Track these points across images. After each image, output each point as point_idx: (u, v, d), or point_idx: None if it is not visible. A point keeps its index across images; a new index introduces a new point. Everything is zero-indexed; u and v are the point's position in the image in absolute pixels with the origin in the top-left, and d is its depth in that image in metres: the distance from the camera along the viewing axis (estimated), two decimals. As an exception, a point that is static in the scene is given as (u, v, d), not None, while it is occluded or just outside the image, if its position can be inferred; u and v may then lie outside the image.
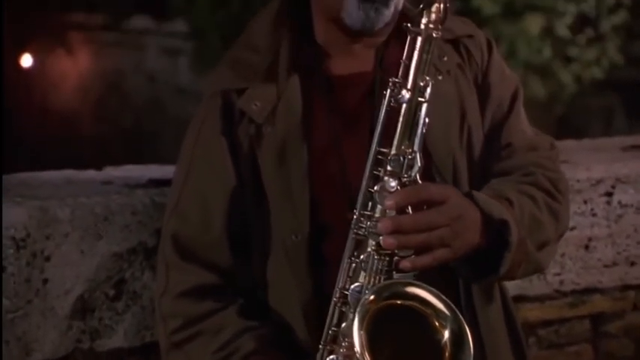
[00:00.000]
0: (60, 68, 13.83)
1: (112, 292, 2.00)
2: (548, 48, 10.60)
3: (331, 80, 1.73)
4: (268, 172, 1.69)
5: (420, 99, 1.58)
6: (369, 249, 1.56)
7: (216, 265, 1.71)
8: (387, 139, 1.58)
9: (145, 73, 14.13)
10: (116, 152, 10.47)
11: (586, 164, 2.49)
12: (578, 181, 2.43)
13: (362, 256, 1.57)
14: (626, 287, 2.54)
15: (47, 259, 1.92)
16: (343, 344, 1.56)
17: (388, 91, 1.59)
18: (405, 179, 1.56)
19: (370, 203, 1.58)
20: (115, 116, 13.56)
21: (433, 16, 1.58)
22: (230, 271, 1.71)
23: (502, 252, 1.62)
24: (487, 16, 10.31)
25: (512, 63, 9.79)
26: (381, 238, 1.54)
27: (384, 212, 1.55)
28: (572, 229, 2.39)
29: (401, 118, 1.58)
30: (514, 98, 1.82)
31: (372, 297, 1.50)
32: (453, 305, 1.53)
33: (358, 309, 1.49)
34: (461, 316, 1.52)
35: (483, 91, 1.80)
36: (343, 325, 1.57)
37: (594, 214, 2.47)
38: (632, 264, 2.52)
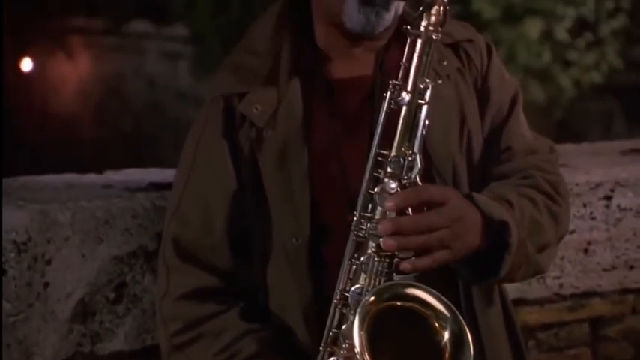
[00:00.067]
0: (60, 72, 13.84)
1: (112, 296, 2.00)
2: (548, 52, 10.62)
3: (332, 84, 1.74)
4: (269, 176, 1.70)
5: (420, 101, 1.59)
6: (369, 251, 1.57)
7: (216, 268, 1.71)
8: (387, 142, 1.59)
9: (145, 77, 14.14)
10: (116, 156, 10.47)
11: (585, 168, 2.50)
12: (577, 184, 2.43)
13: (362, 258, 1.57)
14: (625, 291, 2.55)
15: (48, 262, 1.93)
16: (344, 346, 1.56)
17: (388, 93, 1.60)
18: (405, 181, 1.57)
19: (370, 205, 1.58)
20: (115, 120, 13.57)
21: (433, 18, 1.59)
22: (231, 273, 1.72)
23: (502, 253, 1.63)
24: (487, 20, 10.33)
25: (512, 67, 9.80)
26: (381, 239, 1.54)
27: (384, 214, 1.56)
28: (572, 232, 2.39)
29: (401, 120, 1.58)
30: (513, 102, 1.83)
31: (372, 298, 1.51)
32: (453, 306, 1.53)
33: (359, 310, 1.50)
34: (461, 317, 1.53)
35: (483, 95, 1.80)
36: (344, 326, 1.58)
37: (593, 218, 2.47)
38: (631, 268, 2.53)
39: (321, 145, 1.71)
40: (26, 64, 13.66)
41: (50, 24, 13.16)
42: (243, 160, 1.71)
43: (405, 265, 1.54)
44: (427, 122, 1.59)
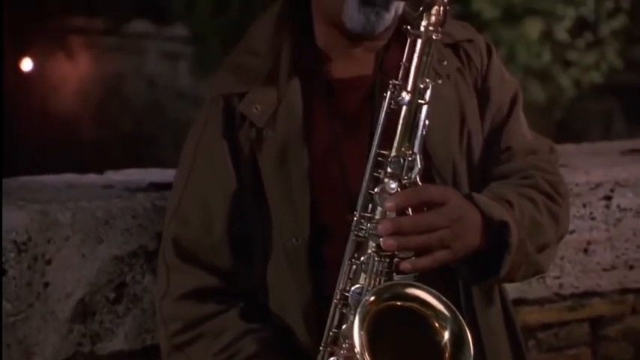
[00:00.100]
0: (60, 72, 13.85)
1: (112, 296, 2.00)
2: (548, 52, 10.63)
3: (332, 84, 1.74)
4: (269, 176, 1.70)
5: (420, 101, 1.59)
6: (369, 251, 1.57)
7: (216, 268, 1.71)
8: (387, 142, 1.59)
9: (145, 77, 14.15)
10: (116, 156, 10.47)
11: (585, 168, 2.50)
12: (577, 184, 2.43)
13: (362, 258, 1.58)
14: (625, 291, 2.55)
15: (48, 262, 1.93)
16: (344, 346, 1.56)
17: (388, 93, 1.60)
18: (405, 181, 1.57)
19: (370, 205, 1.58)
20: (115, 120, 13.57)
21: (433, 18, 1.59)
22: (231, 274, 1.72)
23: (502, 253, 1.63)
24: (487, 20, 10.33)
25: (512, 67, 9.81)
26: (381, 239, 1.54)
27: (384, 214, 1.56)
28: (572, 232, 2.39)
29: (401, 120, 1.58)
30: (513, 102, 1.83)
31: (372, 298, 1.51)
32: (452, 306, 1.53)
33: (359, 309, 1.50)
34: (461, 317, 1.53)
35: (483, 95, 1.80)
36: (344, 326, 1.58)
37: (593, 218, 2.47)
38: (631, 268, 2.53)
39: (321, 145, 1.71)
40: (26, 64, 13.67)
41: (50, 24, 13.17)
42: (243, 160, 1.71)
43: (405, 265, 1.54)
44: (427, 122, 1.59)
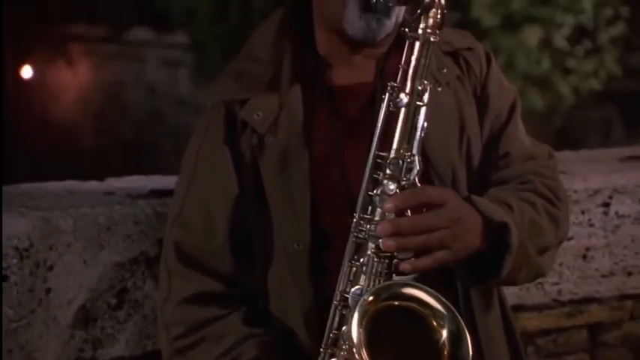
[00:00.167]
0: (60, 80, 13.85)
1: (114, 302, 2.01)
2: (547, 60, 10.64)
3: (332, 90, 1.75)
4: (270, 181, 1.71)
5: (418, 103, 1.60)
6: (368, 252, 1.57)
7: (218, 273, 1.72)
8: (386, 144, 1.60)
9: (145, 84, 14.15)
10: (116, 164, 10.48)
11: (583, 175, 2.50)
12: (575, 191, 2.44)
13: (362, 260, 1.58)
14: (623, 297, 2.55)
15: (50, 268, 1.94)
16: (344, 347, 1.57)
17: (387, 95, 1.61)
18: (404, 182, 1.58)
19: (370, 206, 1.59)
20: (115, 128, 13.57)
21: (430, 21, 1.60)
22: (232, 278, 1.72)
23: (503, 254, 1.63)
24: (486, 27, 10.35)
25: (511, 74, 9.82)
26: (380, 240, 1.55)
27: (383, 215, 1.56)
28: (570, 239, 2.40)
29: (399, 122, 1.59)
30: (512, 109, 1.84)
31: (370, 298, 1.51)
32: (450, 305, 1.54)
33: (357, 308, 1.50)
34: (459, 316, 1.53)
35: (482, 102, 1.82)
36: (344, 328, 1.58)
37: (592, 225, 2.48)
38: (630, 274, 2.54)
39: (322, 150, 1.72)
40: (26, 72, 13.67)
41: (50, 31, 13.18)
42: (244, 167, 1.72)
43: (405, 266, 1.55)
44: (425, 124, 1.60)
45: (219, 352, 1.69)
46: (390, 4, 1.66)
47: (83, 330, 1.98)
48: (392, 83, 1.61)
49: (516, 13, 10.57)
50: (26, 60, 13.44)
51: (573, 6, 10.67)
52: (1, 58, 10.77)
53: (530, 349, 2.47)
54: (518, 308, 2.40)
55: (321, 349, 1.61)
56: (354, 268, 1.59)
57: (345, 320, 1.59)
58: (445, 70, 1.77)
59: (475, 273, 1.66)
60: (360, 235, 1.59)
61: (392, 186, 1.57)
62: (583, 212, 2.47)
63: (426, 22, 1.60)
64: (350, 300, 1.57)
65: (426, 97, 1.60)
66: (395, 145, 1.59)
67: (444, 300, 1.54)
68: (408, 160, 1.58)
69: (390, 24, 1.70)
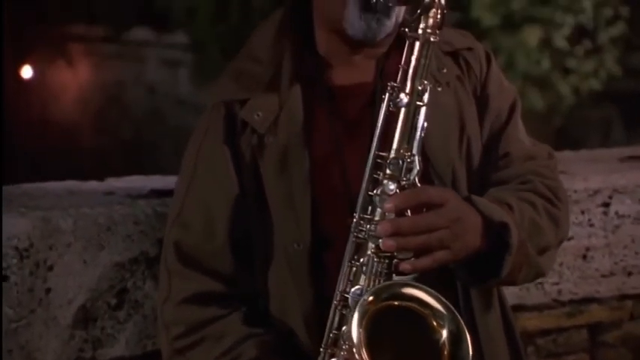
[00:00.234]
0: (60, 80, 13.86)
1: (114, 302, 2.01)
2: (547, 60, 10.64)
3: (332, 90, 1.75)
4: (270, 181, 1.71)
5: (418, 103, 1.60)
6: (368, 252, 1.57)
7: (218, 273, 1.72)
8: (386, 144, 1.60)
9: (145, 84, 14.16)
10: (116, 164, 10.48)
11: (583, 175, 2.51)
12: (575, 191, 2.44)
13: (362, 260, 1.58)
14: (623, 297, 2.56)
15: (50, 268, 1.94)
16: (344, 347, 1.57)
17: (387, 95, 1.61)
18: (404, 182, 1.58)
19: (370, 207, 1.59)
20: (115, 128, 13.58)
21: (430, 21, 1.60)
22: (232, 278, 1.73)
23: (503, 254, 1.63)
24: (486, 27, 10.36)
25: (511, 74, 9.82)
26: (380, 240, 1.55)
27: (383, 215, 1.57)
28: (570, 239, 2.40)
29: (399, 122, 1.60)
30: (512, 109, 1.84)
31: (370, 298, 1.51)
32: (450, 305, 1.54)
33: (357, 308, 1.50)
34: (458, 315, 1.54)
35: (482, 102, 1.82)
36: (344, 328, 1.58)
37: (592, 225, 2.48)
38: (630, 274, 2.54)
39: (322, 151, 1.72)
40: (26, 72, 13.68)
41: (50, 31, 13.18)
42: (244, 167, 1.72)
43: (405, 266, 1.55)
44: (425, 124, 1.60)
45: (219, 352, 1.69)
46: (390, 4, 1.66)
47: (83, 330, 1.99)
48: (392, 83, 1.61)
49: (516, 13, 10.57)
50: (26, 60, 13.45)
51: (573, 6, 10.68)
52: (1, 58, 10.77)
53: (530, 349, 2.48)
54: (518, 308, 2.41)
55: (321, 349, 1.61)
56: (354, 268, 1.60)
57: (345, 320, 1.59)
58: (445, 70, 1.77)
59: (475, 273, 1.66)
60: (360, 235, 1.59)
61: (392, 186, 1.58)
62: (583, 212, 2.47)
63: (426, 22, 1.61)
64: (350, 300, 1.57)
65: (426, 97, 1.61)
66: (395, 145, 1.59)
67: (443, 300, 1.54)
68: (408, 160, 1.58)
69: (390, 24, 1.70)
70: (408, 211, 1.57)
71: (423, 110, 1.60)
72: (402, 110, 1.60)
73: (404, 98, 1.60)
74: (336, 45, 1.74)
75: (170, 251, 1.75)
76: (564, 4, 10.64)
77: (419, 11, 1.61)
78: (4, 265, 1.88)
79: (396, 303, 1.52)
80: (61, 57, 13.74)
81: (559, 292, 2.48)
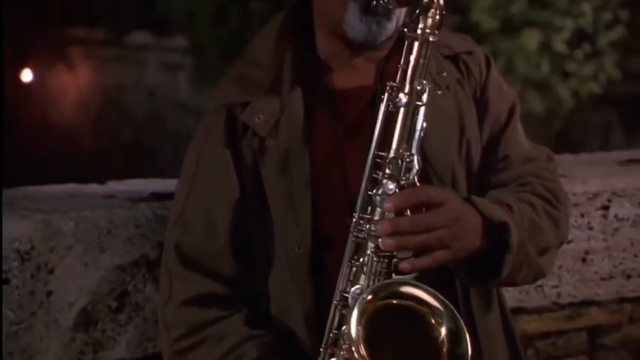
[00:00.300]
0: (60, 83, 13.87)
1: (114, 305, 2.02)
2: (546, 63, 10.64)
3: (333, 93, 1.75)
4: (271, 184, 1.71)
5: (417, 103, 1.60)
6: (368, 251, 1.58)
7: (219, 274, 1.73)
8: (385, 144, 1.60)
9: (145, 88, 14.17)
10: (116, 167, 10.48)
11: (583, 178, 2.51)
12: (574, 194, 2.44)
13: (362, 259, 1.59)
14: (622, 300, 2.56)
15: (51, 271, 1.94)
16: (344, 346, 1.57)
17: (386, 95, 1.61)
18: (404, 182, 1.58)
19: (369, 206, 1.59)
20: (115, 131, 13.59)
21: (429, 21, 1.61)
22: (233, 280, 1.73)
23: (503, 254, 1.64)
24: (485, 31, 10.36)
25: (511, 78, 9.82)
26: (380, 240, 1.55)
27: (382, 215, 1.57)
28: (569, 242, 2.41)
29: (399, 122, 1.60)
30: (511, 112, 1.85)
31: (369, 297, 1.52)
32: (449, 303, 1.54)
33: (357, 305, 1.50)
34: (457, 314, 1.54)
35: (481, 105, 1.82)
36: (344, 327, 1.58)
37: (591, 228, 2.49)
38: (629, 277, 2.54)
39: (323, 153, 1.72)
40: (26, 75, 13.69)
41: (50, 35, 13.20)
42: (245, 170, 1.73)
43: (404, 265, 1.55)
44: (425, 124, 1.61)
45: (220, 353, 1.69)
46: (391, 7, 1.66)
47: (84, 333, 1.99)
48: (391, 83, 1.62)
49: (516, 17, 10.57)
50: (26, 63, 13.46)
51: (573, 10, 10.68)
52: (1, 62, 10.78)
53: (530, 352, 2.48)
54: (518, 311, 2.41)
55: (321, 349, 1.61)
56: (354, 268, 1.60)
57: (344, 320, 1.59)
58: (445, 74, 1.78)
59: (475, 273, 1.66)
60: (359, 235, 1.59)
61: (391, 185, 1.58)
62: (582, 215, 2.47)
63: (425, 22, 1.61)
64: (350, 300, 1.58)
65: (425, 97, 1.61)
66: (394, 145, 1.59)
67: (442, 298, 1.54)
68: (407, 159, 1.59)
69: (390, 27, 1.70)
70: (408, 211, 1.57)
71: (422, 110, 1.61)
72: (401, 110, 1.60)
73: (403, 98, 1.60)
74: (337, 48, 1.75)
75: (171, 253, 1.75)
76: (564, 8, 10.65)
77: (417, 11, 1.61)
78: (5, 267, 1.89)
79: (394, 301, 1.52)
80: (61, 60, 13.75)
81: (558, 295, 2.48)
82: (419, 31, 1.61)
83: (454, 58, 1.81)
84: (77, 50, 14.00)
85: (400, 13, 1.71)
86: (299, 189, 1.70)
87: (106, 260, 2.00)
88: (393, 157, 1.59)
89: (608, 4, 10.87)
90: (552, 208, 1.77)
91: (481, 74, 1.83)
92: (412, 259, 1.56)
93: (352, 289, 1.59)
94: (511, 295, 2.32)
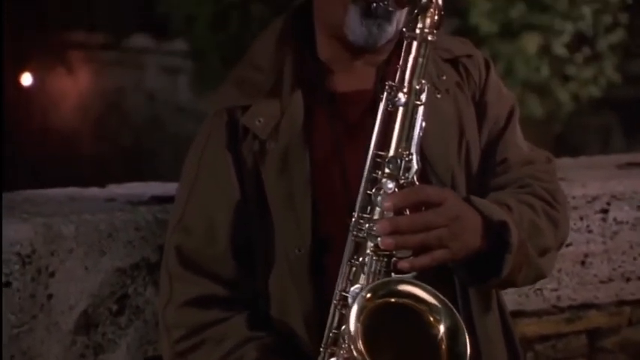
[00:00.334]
0: (60, 87, 13.87)
1: (115, 308, 2.02)
2: (546, 67, 10.65)
3: (333, 96, 1.76)
4: (271, 185, 1.72)
5: (416, 102, 1.61)
6: (367, 251, 1.58)
7: (220, 277, 1.73)
8: (385, 144, 1.60)
9: (145, 91, 14.18)
10: (116, 170, 10.49)
11: (582, 181, 2.51)
12: (574, 197, 2.45)
13: (361, 259, 1.59)
14: (621, 303, 2.56)
15: (52, 274, 1.94)
16: (344, 346, 1.57)
17: (385, 94, 1.62)
18: (403, 181, 1.59)
19: (369, 206, 1.59)
20: (114, 135, 13.59)
21: (428, 21, 1.61)
22: (234, 282, 1.73)
23: (503, 254, 1.64)
24: (485, 34, 10.37)
25: (510, 82, 9.83)
26: (379, 239, 1.56)
27: (382, 214, 1.57)
28: (569, 245, 2.41)
29: (398, 121, 1.60)
30: (510, 115, 1.85)
31: (368, 295, 1.52)
32: (447, 300, 1.54)
33: (356, 301, 1.51)
34: (455, 311, 1.54)
35: (480, 109, 1.83)
36: (343, 327, 1.58)
37: (590, 231, 2.49)
38: (628, 280, 2.55)
39: (323, 153, 1.73)
40: (26, 79, 13.70)
41: (50, 39, 13.21)
42: (246, 173, 1.73)
43: (404, 264, 1.55)
44: (424, 124, 1.61)
45: (220, 354, 1.70)
46: (391, 9, 1.66)
47: (85, 335, 1.99)
48: (390, 82, 1.62)
49: (515, 21, 10.59)
50: (26, 67, 13.47)
51: (572, 13, 10.69)
52: (1, 66, 10.79)
53: (530, 355, 2.48)
54: (518, 314, 2.41)
55: (321, 349, 1.62)
56: (354, 268, 1.60)
57: (344, 319, 1.58)
58: (445, 77, 1.78)
59: (475, 273, 1.66)
60: (359, 234, 1.60)
61: (390, 185, 1.58)
62: (581, 218, 2.48)
63: (424, 22, 1.61)
64: (349, 299, 1.58)
65: (423, 97, 1.61)
66: (393, 144, 1.60)
67: (440, 295, 1.54)
68: (407, 159, 1.59)
69: (391, 30, 1.71)
70: (407, 210, 1.57)
71: (421, 109, 1.61)
72: (400, 109, 1.61)
73: (402, 97, 1.61)
74: (337, 51, 1.75)
75: (171, 255, 1.75)
76: (563, 11, 10.66)
77: (416, 11, 1.61)
78: (6, 271, 1.89)
79: (392, 300, 1.53)
80: (61, 64, 13.76)
81: (558, 298, 2.49)
82: (417, 31, 1.61)
83: (454, 62, 1.82)
84: (77, 54, 14.01)
85: (400, 17, 1.71)
86: (299, 188, 1.70)
87: (107, 263, 2.00)
88: (392, 157, 1.59)
89: (607, 8, 10.88)
90: (551, 209, 1.78)
91: (480, 78, 1.84)
92: (411, 258, 1.56)
93: (352, 289, 1.59)
94: (510, 298, 2.32)
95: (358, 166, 1.64)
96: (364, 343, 1.48)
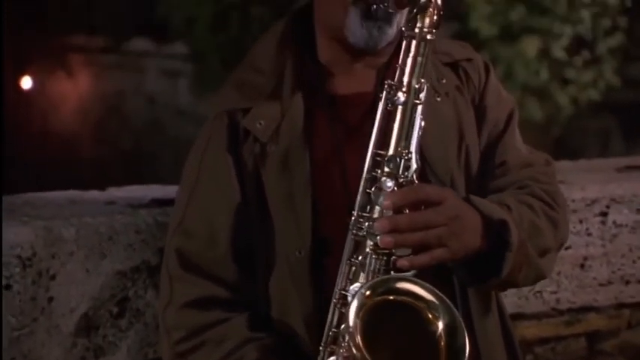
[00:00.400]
0: (60, 90, 13.88)
1: (115, 310, 2.03)
2: (545, 70, 10.66)
3: (333, 99, 1.76)
4: (272, 188, 1.72)
5: (415, 101, 1.61)
6: (367, 249, 1.58)
7: (220, 279, 1.73)
8: (384, 143, 1.61)
9: (145, 95, 14.18)
10: (116, 173, 10.49)
11: (581, 184, 2.52)
12: (573, 201, 2.45)
13: (360, 257, 1.59)
14: (621, 306, 2.57)
15: (52, 277, 1.95)
16: (343, 344, 1.57)
17: (384, 93, 1.62)
18: (402, 180, 1.59)
19: (368, 204, 1.60)
20: (114, 138, 13.59)
21: (427, 20, 1.62)
22: (234, 284, 1.73)
23: (503, 253, 1.64)
24: (484, 38, 10.38)
25: (510, 85, 9.84)
26: (378, 237, 1.56)
27: (381, 213, 1.57)
28: (568, 248, 2.42)
29: (397, 120, 1.61)
30: (509, 118, 1.86)
31: (367, 292, 1.52)
32: (445, 297, 1.54)
33: (355, 298, 1.51)
34: (453, 307, 1.54)
35: (480, 112, 1.83)
36: (343, 326, 1.58)
37: (589, 234, 2.49)
38: (627, 283, 2.55)
39: (323, 154, 1.73)
40: (26, 82, 13.70)
41: (50, 42, 13.21)
42: (247, 175, 1.73)
43: (403, 263, 1.55)
44: (423, 123, 1.61)
45: (220, 355, 1.70)
46: (391, 10, 1.67)
47: (85, 338, 2.00)
48: (389, 82, 1.62)
49: (515, 24, 10.59)
50: (26, 71, 13.47)
51: (572, 16, 10.70)
52: (1, 69, 10.79)
53: (529, 358, 2.49)
54: (517, 317, 2.42)
55: (321, 348, 1.62)
56: (353, 267, 1.60)
57: (344, 318, 1.58)
58: (444, 81, 1.79)
59: (475, 272, 1.66)
60: (358, 233, 1.60)
61: (390, 183, 1.58)
62: (581, 221, 2.48)
63: (423, 21, 1.62)
64: (349, 298, 1.57)
65: (423, 96, 1.62)
66: (393, 143, 1.60)
67: (438, 293, 1.54)
68: (406, 157, 1.59)
69: (391, 32, 1.71)
70: (407, 209, 1.58)
71: (420, 108, 1.62)
72: (400, 108, 1.61)
73: (401, 97, 1.61)
74: (338, 53, 1.76)
75: (172, 258, 1.76)
76: (563, 15, 10.67)
77: (415, 11, 1.62)
78: (6, 274, 1.89)
79: (391, 297, 1.53)
80: (61, 67, 13.76)
81: (557, 300, 2.49)
82: (417, 30, 1.62)
83: (453, 66, 1.82)
84: (77, 57, 14.01)
85: (400, 19, 1.71)
86: (299, 189, 1.71)
87: (107, 266, 2.01)
88: (391, 156, 1.60)
89: (607, 11, 10.89)
90: (551, 210, 1.78)
91: (480, 81, 1.84)
92: (411, 256, 1.56)
93: (351, 287, 1.59)
94: (510, 301, 2.33)
95: (358, 169, 1.64)
96: (363, 340, 1.48)
